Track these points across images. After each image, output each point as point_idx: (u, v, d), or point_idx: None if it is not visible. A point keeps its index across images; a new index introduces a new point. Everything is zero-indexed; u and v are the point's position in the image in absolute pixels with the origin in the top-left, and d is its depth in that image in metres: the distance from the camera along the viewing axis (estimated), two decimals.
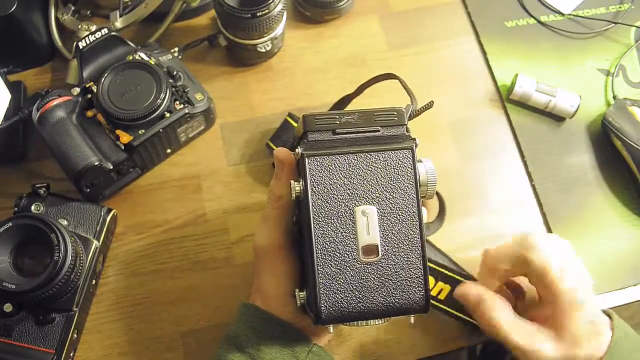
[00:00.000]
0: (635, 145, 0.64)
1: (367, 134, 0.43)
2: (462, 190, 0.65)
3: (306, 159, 0.42)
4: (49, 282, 0.48)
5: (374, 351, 0.58)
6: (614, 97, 0.70)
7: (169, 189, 0.63)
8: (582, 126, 0.69)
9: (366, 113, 0.44)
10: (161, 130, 0.57)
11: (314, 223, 0.41)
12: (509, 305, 0.51)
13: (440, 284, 0.57)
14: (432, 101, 0.48)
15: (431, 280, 0.57)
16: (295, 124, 0.64)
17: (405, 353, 0.58)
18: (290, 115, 0.65)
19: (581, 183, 0.66)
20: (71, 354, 0.54)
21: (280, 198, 0.47)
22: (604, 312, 0.51)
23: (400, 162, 0.42)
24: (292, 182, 0.42)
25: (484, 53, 0.72)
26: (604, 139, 0.68)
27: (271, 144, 0.64)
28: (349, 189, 0.42)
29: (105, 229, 0.56)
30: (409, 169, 0.42)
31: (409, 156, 0.43)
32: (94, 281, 0.56)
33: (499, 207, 0.65)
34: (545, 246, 0.50)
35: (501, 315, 0.49)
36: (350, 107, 0.61)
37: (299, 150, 0.43)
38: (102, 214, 0.56)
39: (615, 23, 0.74)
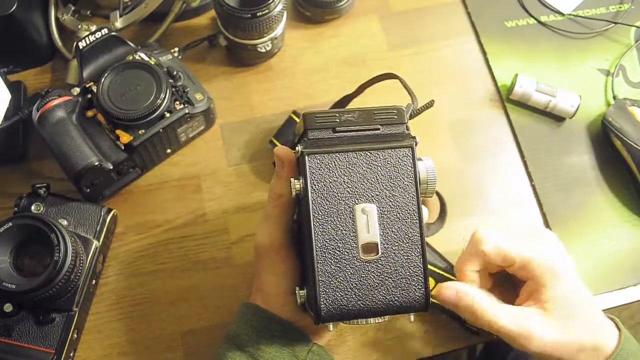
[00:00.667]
0: (635, 145, 0.64)
1: (367, 132, 0.43)
2: (462, 190, 0.65)
3: (306, 157, 0.42)
4: (49, 282, 0.48)
5: (373, 351, 0.58)
6: (614, 97, 0.70)
7: (169, 189, 0.63)
8: (582, 126, 0.69)
9: (366, 111, 0.44)
10: (161, 130, 0.57)
11: (313, 221, 0.41)
12: (490, 294, 0.49)
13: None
14: (432, 100, 0.48)
15: (431, 282, 0.57)
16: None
17: (405, 353, 0.58)
18: (294, 112, 0.65)
19: (581, 183, 0.66)
20: (71, 354, 0.54)
21: (280, 196, 0.47)
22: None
23: (400, 160, 0.42)
24: (292, 179, 0.43)
25: (484, 53, 0.72)
26: (604, 139, 0.68)
27: (275, 141, 0.64)
28: (349, 187, 0.42)
29: (105, 229, 0.56)
30: (409, 167, 0.42)
31: (409, 154, 0.43)
32: (94, 281, 0.56)
33: (499, 207, 0.65)
34: (495, 234, 0.50)
35: (484, 304, 0.48)
36: (350, 106, 0.61)
37: (299, 148, 0.43)
38: (102, 214, 0.56)
39: (615, 23, 0.74)
